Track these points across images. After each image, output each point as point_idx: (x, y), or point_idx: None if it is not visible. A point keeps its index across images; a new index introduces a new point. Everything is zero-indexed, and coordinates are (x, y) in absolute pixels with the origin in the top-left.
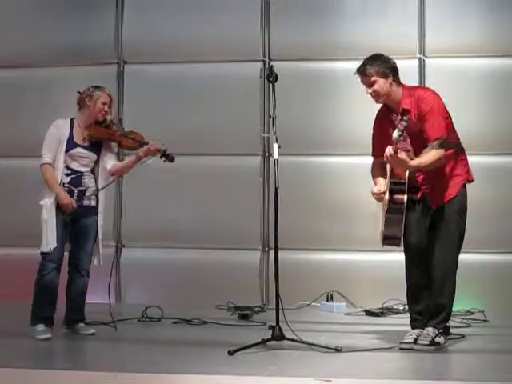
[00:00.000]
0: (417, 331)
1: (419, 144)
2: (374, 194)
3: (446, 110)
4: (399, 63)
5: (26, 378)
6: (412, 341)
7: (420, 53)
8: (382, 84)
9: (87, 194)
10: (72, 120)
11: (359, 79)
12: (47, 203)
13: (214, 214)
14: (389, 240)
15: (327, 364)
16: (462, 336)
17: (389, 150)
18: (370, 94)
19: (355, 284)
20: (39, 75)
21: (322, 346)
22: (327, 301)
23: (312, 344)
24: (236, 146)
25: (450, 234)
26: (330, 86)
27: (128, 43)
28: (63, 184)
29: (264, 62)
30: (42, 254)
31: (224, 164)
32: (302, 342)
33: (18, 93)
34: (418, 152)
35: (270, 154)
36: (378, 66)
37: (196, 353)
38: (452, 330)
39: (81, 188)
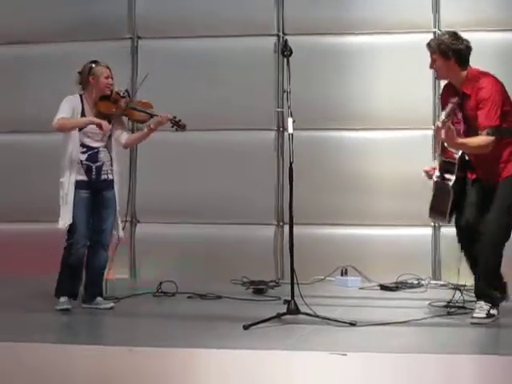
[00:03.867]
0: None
1: (473, 126)
2: (425, 171)
3: (506, 98)
4: (413, 37)
5: (40, 352)
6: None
7: (435, 27)
8: (440, 64)
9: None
10: (81, 96)
11: None
12: (67, 181)
13: (229, 189)
14: (434, 214)
15: (342, 338)
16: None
17: (437, 123)
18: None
19: (370, 258)
20: (51, 51)
21: (337, 321)
22: (342, 275)
23: (327, 318)
24: (250, 121)
25: (498, 209)
26: (344, 60)
27: (142, 18)
28: (81, 161)
29: (278, 36)
30: (69, 230)
31: (238, 139)
32: (317, 317)
33: (30, 68)
34: (471, 133)
35: (285, 129)
36: (444, 45)
37: (211, 327)
38: (467, 304)
39: (98, 164)
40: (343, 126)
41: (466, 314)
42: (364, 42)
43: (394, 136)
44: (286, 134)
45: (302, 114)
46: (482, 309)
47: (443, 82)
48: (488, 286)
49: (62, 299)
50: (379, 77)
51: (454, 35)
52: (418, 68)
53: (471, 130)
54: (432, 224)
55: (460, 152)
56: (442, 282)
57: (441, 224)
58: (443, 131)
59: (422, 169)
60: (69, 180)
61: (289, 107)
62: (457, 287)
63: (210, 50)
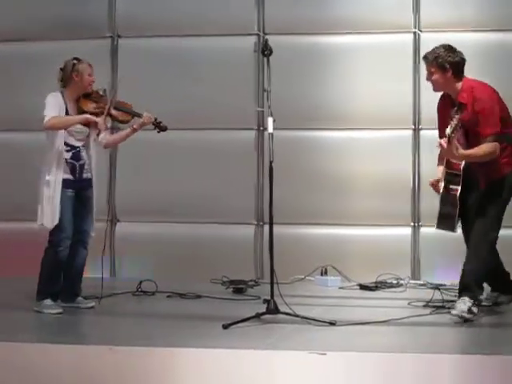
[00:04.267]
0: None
1: (474, 136)
2: (430, 183)
3: (500, 105)
4: (394, 37)
5: (19, 352)
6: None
7: (415, 27)
8: (438, 77)
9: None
10: (62, 93)
11: None
12: (54, 179)
13: (209, 188)
14: (442, 225)
15: (321, 337)
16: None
17: (440, 141)
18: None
19: (349, 258)
20: (31, 49)
21: (317, 320)
22: (321, 275)
23: (306, 318)
24: (231, 120)
25: (486, 208)
26: (324, 59)
27: (122, 17)
28: (66, 160)
29: (258, 35)
30: (53, 230)
31: (219, 138)
32: (297, 316)
33: (8, 67)
34: (472, 145)
35: (265, 128)
36: (441, 58)
37: (190, 327)
38: (446, 304)
39: (81, 162)
40: (323, 125)
41: (445, 313)
42: (344, 42)
43: (373, 136)
44: (266, 133)
45: (282, 113)
46: (464, 302)
47: (423, 83)
48: (475, 284)
49: (49, 302)
50: (359, 77)
51: (450, 48)
52: (398, 68)
53: (471, 139)
54: (411, 224)
55: (463, 163)
56: (421, 282)
57: (421, 224)
58: (449, 146)
59: (401, 168)
60: (56, 179)
61: (269, 107)
62: (436, 287)
63: (190, 49)
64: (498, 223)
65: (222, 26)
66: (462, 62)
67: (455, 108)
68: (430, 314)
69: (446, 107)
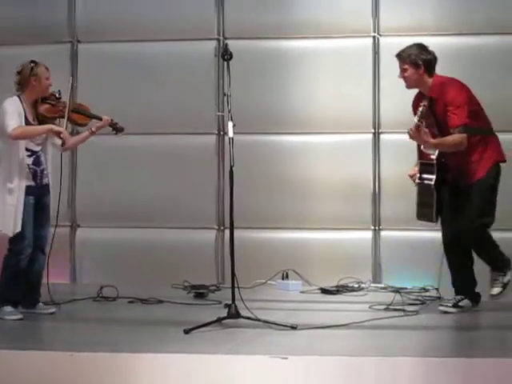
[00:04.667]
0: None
1: (445, 128)
2: (409, 175)
3: (471, 98)
4: (354, 41)
5: None
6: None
7: (374, 31)
8: (411, 73)
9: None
10: (19, 97)
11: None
12: (17, 186)
13: (170, 192)
14: (421, 216)
15: (283, 341)
16: (417, 313)
17: (410, 128)
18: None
19: (310, 262)
20: None
21: (278, 324)
22: (283, 279)
23: (268, 322)
24: (191, 125)
25: (473, 211)
26: (284, 64)
27: (81, 22)
28: (28, 165)
29: (218, 40)
30: (14, 238)
31: (179, 142)
32: (258, 320)
33: None
34: (443, 132)
35: (225, 133)
36: (414, 55)
37: (152, 332)
38: (407, 307)
39: (42, 167)
40: (284, 130)
41: (405, 316)
42: (304, 47)
43: (334, 140)
44: (226, 137)
45: (242, 117)
46: (452, 299)
47: (383, 87)
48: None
49: (9, 309)
50: (319, 81)
51: (423, 47)
52: (358, 72)
53: (444, 132)
54: (372, 227)
55: (436, 153)
56: (382, 285)
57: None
58: (418, 133)
59: (362, 172)
60: (19, 185)
61: (229, 111)
62: (397, 290)
63: (150, 53)
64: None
65: (183, 31)
66: (434, 59)
67: (425, 101)
68: (390, 317)
69: (418, 102)
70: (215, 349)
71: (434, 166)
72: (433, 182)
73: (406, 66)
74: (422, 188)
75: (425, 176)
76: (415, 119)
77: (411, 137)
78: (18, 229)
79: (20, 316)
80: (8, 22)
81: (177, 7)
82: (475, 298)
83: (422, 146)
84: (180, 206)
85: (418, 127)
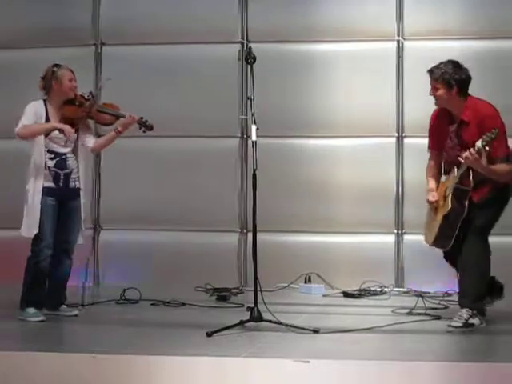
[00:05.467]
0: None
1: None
2: (429, 201)
3: (503, 123)
4: (377, 45)
5: (3, 360)
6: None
7: (398, 35)
8: (443, 93)
9: None
10: (45, 101)
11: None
12: (32, 188)
13: (193, 196)
14: (439, 242)
15: (305, 345)
16: (440, 317)
17: (469, 152)
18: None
19: (333, 266)
20: (15, 57)
21: (300, 328)
22: (305, 282)
23: (290, 325)
24: (214, 128)
25: (479, 224)
26: (308, 67)
27: (106, 25)
28: (49, 168)
29: (242, 43)
30: (34, 239)
31: (202, 146)
32: (280, 324)
33: None
34: None
35: (248, 136)
36: (448, 74)
37: (174, 334)
38: (430, 311)
39: (66, 171)
40: (307, 133)
41: (428, 320)
42: (328, 50)
43: (357, 144)
44: (249, 141)
45: (265, 121)
46: (460, 317)
47: (407, 91)
48: (473, 300)
49: (31, 310)
50: (343, 84)
51: (457, 64)
52: (381, 76)
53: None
54: (395, 231)
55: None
56: (405, 289)
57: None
58: (479, 157)
59: (385, 176)
60: (34, 186)
61: (252, 114)
62: (419, 294)
63: (174, 57)
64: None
65: (206, 34)
66: (468, 79)
67: (454, 125)
68: (422, 321)
69: (443, 121)
70: (237, 352)
71: (469, 192)
72: (465, 210)
73: (438, 86)
74: (452, 214)
75: (463, 202)
76: (479, 144)
77: (469, 161)
78: (34, 230)
79: (42, 318)
80: (33, 24)
81: (200, 10)
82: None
83: (479, 169)
84: (203, 209)
85: (479, 152)
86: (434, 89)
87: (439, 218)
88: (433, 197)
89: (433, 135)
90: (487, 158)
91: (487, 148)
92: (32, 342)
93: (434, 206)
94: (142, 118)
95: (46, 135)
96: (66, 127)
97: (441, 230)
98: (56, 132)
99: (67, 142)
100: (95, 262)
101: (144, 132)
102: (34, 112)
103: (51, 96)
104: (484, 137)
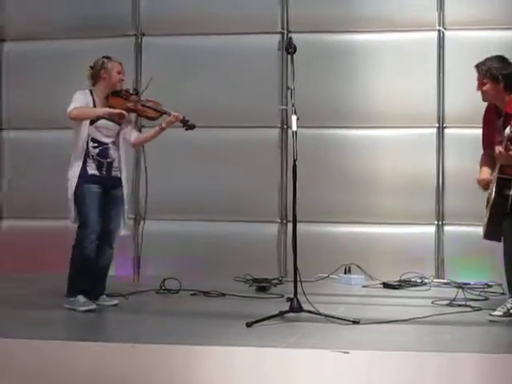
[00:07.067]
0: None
1: None
2: (479, 180)
3: None
4: (418, 35)
5: (42, 349)
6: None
7: (439, 25)
8: (489, 87)
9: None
10: (91, 91)
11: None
12: (76, 174)
13: (233, 186)
14: (491, 234)
15: (345, 336)
16: (480, 308)
17: (498, 148)
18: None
19: (373, 257)
20: (56, 48)
21: (340, 318)
22: (345, 273)
23: (330, 316)
24: (255, 118)
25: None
26: (348, 57)
27: (146, 15)
28: (92, 156)
29: (282, 33)
30: (79, 226)
31: (242, 136)
32: (320, 314)
33: (35, 65)
34: None
35: (289, 126)
36: (494, 69)
37: (214, 324)
38: (470, 303)
39: (109, 160)
40: (347, 123)
41: (469, 312)
42: (368, 40)
43: (397, 134)
44: (289, 131)
45: (305, 111)
46: (503, 306)
47: (447, 81)
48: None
49: (82, 299)
50: (383, 75)
51: (503, 59)
52: (422, 66)
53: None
54: (435, 222)
55: None
56: (446, 281)
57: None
58: (507, 155)
59: (426, 167)
60: (80, 173)
61: (293, 105)
62: (460, 285)
63: (214, 47)
64: None
65: (246, 25)
66: None
67: (501, 118)
68: (462, 312)
69: (493, 118)
70: (277, 342)
71: (511, 183)
72: (510, 199)
73: (485, 80)
74: (499, 205)
75: (507, 193)
76: (507, 131)
77: (498, 159)
78: (84, 216)
79: (93, 306)
80: (74, 16)
81: (241, 1)
82: None
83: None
84: (243, 199)
85: (507, 149)
86: (481, 84)
87: (488, 210)
88: (482, 176)
89: (484, 135)
90: None
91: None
92: (72, 331)
93: (487, 199)
94: (184, 117)
95: (92, 123)
96: (120, 111)
97: (489, 222)
98: (103, 121)
99: (113, 133)
100: (136, 252)
101: (186, 130)
102: (81, 98)
103: (98, 86)
104: (506, 134)
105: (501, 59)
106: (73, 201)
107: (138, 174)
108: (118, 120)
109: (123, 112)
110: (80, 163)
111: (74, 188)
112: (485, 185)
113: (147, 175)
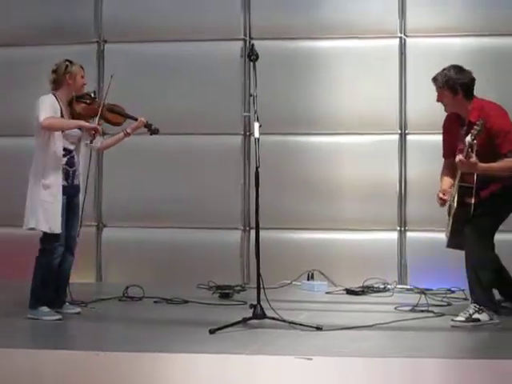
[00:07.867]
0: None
1: (481, 153)
2: (438, 199)
3: (510, 122)
4: (380, 42)
5: (6, 358)
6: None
7: (401, 32)
8: (450, 98)
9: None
10: (55, 95)
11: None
12: (52, 183)
13: (196, 193)
14: (454, 243)
15: (308, 342)
16: (443, 314)
17: (459, 157)
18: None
19: (336, 263)
20: (18, 54)
21: (303, 325)
22: (308, 280)
23: (293, 323)
24: (217, 125)
25: (479, 223)
26: (311, 64)
27: (108, 22)
28: (61, 166)
29: (245, 40)
30: (48, 237)
31: (205, 143)
32: (283, 321)
33: None
34: (479, 159)
35: (251, 133)
36: (452, 80)
37: (177, 332)
38: (432, 309)
39: (74, 168)
40: (309, 130)
41: (431, 317)
42: (330, 47)
43: (359, 141)
44: (252, 138)
45: (268, 118)
46: (465, 312)
47: (409, 88)
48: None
49: (46, 309)
50: (345, 81)
51: (459, 69)
52: (384, 73)
53: (480, 156)
54: (397, 228)
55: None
56: (408, 287)
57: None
58: (467, 163)
59: (388, 173)
60: (55, 182)
61: (255, 112)
62: (422, 291)
63: (176, 54)
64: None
65: (209, 31)
66: (472, 82)
67: (464, 127)
68: (425, 318)
69: (454, 126)
70: (241, 349)
71: (473, 189)
72: (472, 207)
73: (444, 92)
74: (461, 213)
75: (467, 201)
76: (469, 139)
77: (459, 167)
78: (58, 229)
79: (59, 316)
80: (35, 22)
81: (203, 7)
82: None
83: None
84: (206, 206)
85: (471, 149)
86: (441, 95)
87: (450, 219)
88: (442, 194)
89: (445, 143)
90: (482, 151)
91: (474, 141)
92: (35, 340)
93: (448, 208)
94: (147, 121)
95: (62, 131)
96: (95, 126)
97: (452, 231)
98: (75, 130)
99: (77, 141)
100: (98, 259)
101: (150, 135)
102: (50, 104)
103: (62, 91)
104: (472, 131)
105: (457, 69)
106: (46, 209)
107: (100, 180)
108: (90, 134)
109: (97, 127)
110: (53, 171)
111: (49, 197)
112: (443, 202)
113: (103, 182)
